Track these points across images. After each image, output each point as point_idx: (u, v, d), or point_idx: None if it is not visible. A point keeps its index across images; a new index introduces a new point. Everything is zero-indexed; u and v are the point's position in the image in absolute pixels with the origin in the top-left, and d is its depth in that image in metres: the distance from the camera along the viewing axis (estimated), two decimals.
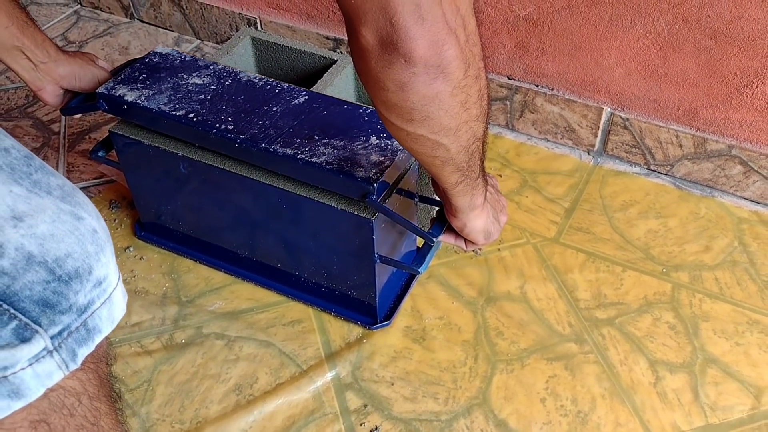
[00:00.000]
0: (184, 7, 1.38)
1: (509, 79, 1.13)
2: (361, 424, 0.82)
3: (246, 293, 0.96)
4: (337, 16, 1.23)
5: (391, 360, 0.88)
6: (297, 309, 0.94)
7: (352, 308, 0.92)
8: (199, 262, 1.00)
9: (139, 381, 0.87)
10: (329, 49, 1.26)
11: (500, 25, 1.08)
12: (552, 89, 1.11)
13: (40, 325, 0.50)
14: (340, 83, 1.00)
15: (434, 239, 0.77)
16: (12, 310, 0.49)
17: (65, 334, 0.52)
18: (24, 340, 0.49)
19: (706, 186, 1.08)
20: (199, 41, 1.42)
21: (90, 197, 1.10)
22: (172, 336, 0.91)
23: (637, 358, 0.87)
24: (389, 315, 0.92)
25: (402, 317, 0.92)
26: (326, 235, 0.85)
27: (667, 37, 0.97)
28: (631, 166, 1.12)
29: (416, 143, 0.59)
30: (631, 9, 0.97)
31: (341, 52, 1.16)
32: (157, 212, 0.99)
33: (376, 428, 0.82)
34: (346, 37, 1.19)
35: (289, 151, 0.79)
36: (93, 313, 0.53)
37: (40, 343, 0.50)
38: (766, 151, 1.01)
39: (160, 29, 1.45)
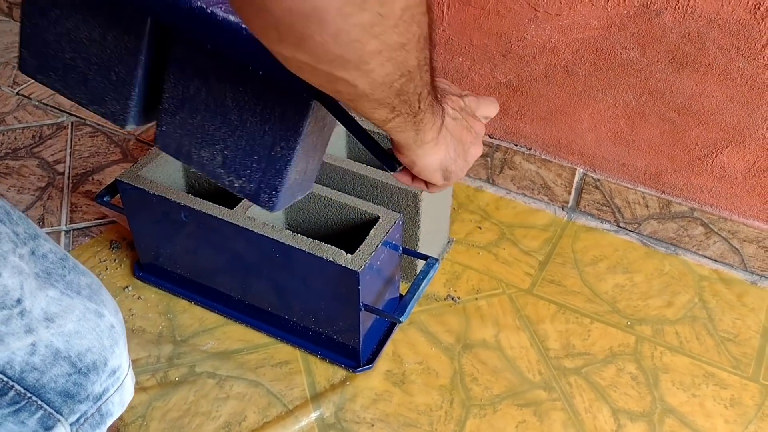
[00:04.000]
0: None
1: (490, 137, 1.21)
2: None
3: (237, 334, 1.02)
4: None
5: (372, 402, 0.94)
6: (285, 350, 1.00)
7: (337, 351, 0.98)
8: (194, 303, 1.06)
9: (134, 416, 0.92)
10: None
11: (483, 89, 1.16)
12: (530, 149, 1.19)
13: (61, 414, 0.57)
14: (331, 142, 1.07)
15: (393, 170, 0.59)
16: (39, 402, 0.56)
17: (82, 420, 0.58)
18: (47, 429, 0.56)
19: (671, 244, 1.16)
20: None
21: (92, 237, 1.16)
22: (166, 374, 0.97)
23: (601, 406, 0.94)
24: (371, 359, 0.98)
25: (383, 361, 0.99)
26: (315, 283, 0.91)
27: (634, 108, 1.06)
28: (601, 222, 1.20)
29: (303, 72, 0.43)
30: (602, 81, 1.06)
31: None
32: (156, 254, 1.05)
33: None
34: None
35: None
36: (107, 399, 0.60)
37: (60, 430, 0.57)
38: (724, 215, 1.09)
39: None
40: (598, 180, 1.16)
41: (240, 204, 0.94)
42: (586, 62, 1.05)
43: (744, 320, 1.05)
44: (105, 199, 1.05)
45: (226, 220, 0.92)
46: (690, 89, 1.00)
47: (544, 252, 1.15)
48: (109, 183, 1.07)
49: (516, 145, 1.20)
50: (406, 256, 1.04)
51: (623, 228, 1.19)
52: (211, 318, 1.04)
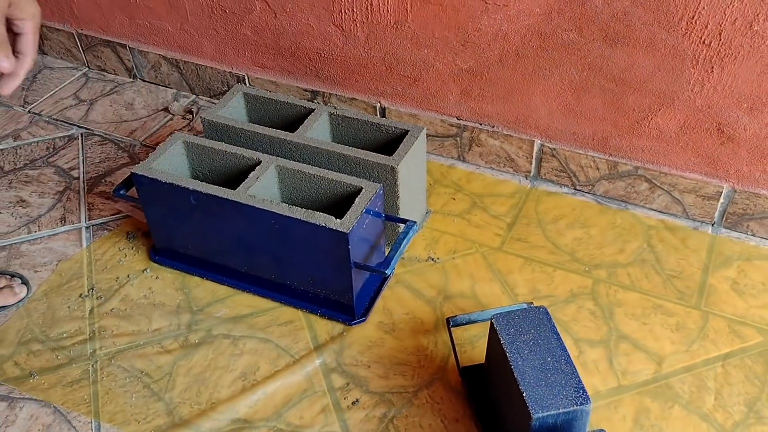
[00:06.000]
0: (182, 68, 1.61)
1: (458, 119, 1.37)
2: (344, 398, 1.02)
3: (246, 302, 1.17)
4: (312, 71, 1.46)
5: (367, 348, 1.08)
6: (289, 312, 1.15)
7: (334, 308, 1.12)
8: (206, 279, 1.20)
9: (162, 374, 1.06)
10: (308, 100, 1.49)
11: (447, 76, 1.32)
12: (493, 126, 1.35)
13: None
14: (317, 128, 1.22)
15: None
16: None
17: None
18: None
19: (621, 201, 1.31)
20: (194, 96, 1.64)
21: (110, 230, 1.30)
22: (187, 338, 1.11)
23: (565, 337, 1.09)
24: (365, 313, 1.13)
25: (375, 314, 1.13)
26: (311, 248, 1.06)
27: (578, 83, 1.21)
28: (560, 187, 1.35)
29: None
30: (549, 61, 1.21)
31: (318, 102, 1.38)
32: (170, 238, 1.20)
33: (356, 400, 1.02)
34: (321, 89, 1.42)
35: None
36: None
37: None
38: (664, 170, 1.24)
39: (161, 87, 1.68)
40: (554, 149, 1.31)
41: (242, 184, 1.09)
42: (533, 45, 1.21)
43: (687, 260, 1.21)
44: (121, 192, 1.19)
45: (230, 199, 1.07)
46: (623, 62, 1.16)
47: (511, 215, 1.30)
48: (124, 180, 1.21)
49: (481, 125, 1.35)
50: (390, 224, 1.20)
51: (579, 190, 1.34)
52: (222, 290, 1.19)
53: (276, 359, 1.07)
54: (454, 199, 1.34)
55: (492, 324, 0.91)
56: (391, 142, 1.22)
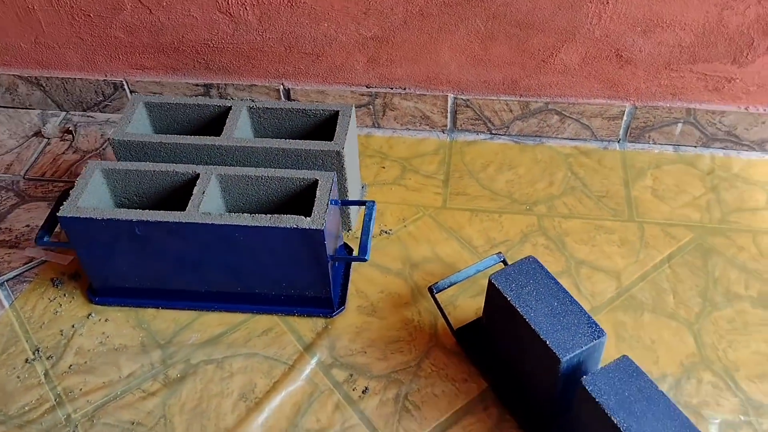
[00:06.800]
0: (44, 85, 1.44)
1: (368, 87, 1.36)
2: (353, 390, 1.02)
3: (214, 321, 1.11)
4: (201, 64, 1.37)
5: (356, 335, 1.08)
6: (264, 320, 1.11)
7: (311, 305, 1.10)
8: (162, 308, 1.13)
9: (154, 419, 0.99)
10: (201, 95, 1.40)
11: (352, 46, 1.30)
12: (405, 89, 1.35)
13: None
14: (240, 126, 1.16)
15: None
16: None
17: None
18: None
19: (535, 136, 1.39)
20: (65, 113, 1.48)
21: (29, 281, 1.17)
22: (166, 374, 1.04)
23: None
24: (341, 302, 1.12)
25: (352, 300, 1.13)
26: (282, 251, 1.02)
27: (484, 32, 1.25)
28: (477, 134, 1.40)
29: None
30: (453, 16, 1.23)
31: (233, 98, 1.30)
32: (111, 276, 1.10)
33: (366, 389, 1.02)
34: (214, 81, 1.34)
35: None
36: None
37: None
38: (572, 100, 1.33)
39: (21, 110, 1.49)
40: (467, 100, 1.35)
41: (190, 203, 1.02)
42: (437, 3, 1.22)
43: (608, 179, 1.31)
44: (45, 239, 1.07)
45: (184, 221, 1.00)
46: (525, 6, 1.21)
47: (442, 172, 1.33)
48: (40, 223, 1.09)
49: (392, 89, 1.36)
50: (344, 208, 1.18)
51: (495, 134, 1.40)
52: (184, 315, 1.12)
53: (270, 371, 1.04)
54: (384, 167, 1.35)
55: (492, 283, 0.94)
56: (318, 126, 1.19)
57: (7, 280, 1.17)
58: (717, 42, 1.21)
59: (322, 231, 0.98)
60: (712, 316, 1.09)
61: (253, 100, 1.18)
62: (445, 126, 1.40)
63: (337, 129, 1.13)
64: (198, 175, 1.07)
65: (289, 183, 1.07)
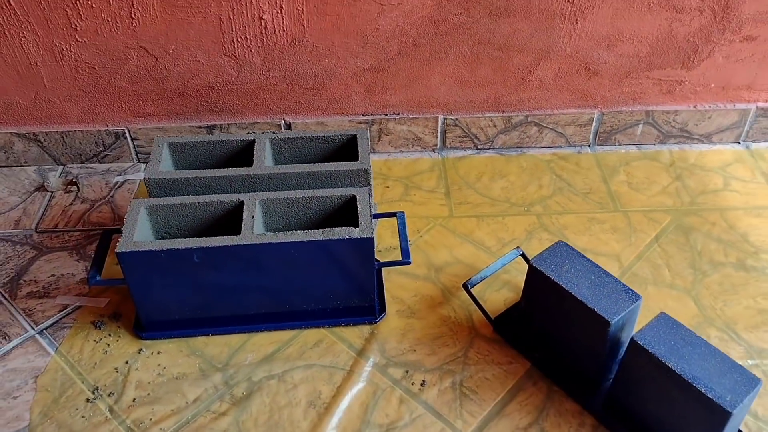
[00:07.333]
0: (42, 140, 1.46)
1: (364, 116, 1.47)
2: (412, 384, 1.10)
3: (265, 341, 1.16)
4: (204, 106, 1.44)
5: (402, 336, 1.17)
6: (313, 334, 1.17)
7: (356, 314, 1.18)
8: (211, 335, 1.17)
9: None
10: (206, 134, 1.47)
11: (350, 78, 1.41)
12: (398, 114, 1.47)
13: None
14: (266, 156, 1.24)
15: None
16: None
17: None
18: None
19: (518, 147, 1.54)
20: (61, 166, 1.50)
21: (69, 327, 1.18)
22: (232, 394, 1.09)
23: None
24: (382, 309, 1.20)
25: (390, 306, 1.21)
26: (334, 264, 1.10)
27: (470, 57, 1.39)
28: (465, 150, 1.54)
29: None
30: (443, 44, 1.37)
31: (254, 132, 1.37)
32: (162, 309, 1.14)
33: (424, 382, 1.10)
34: (217, 122, 1.41)
35: None
36: None
37: None
38: (548, 112, 1.49)
39: (15, 167, 1.50)
40: (456, 119, 1.48)
41: (242, 227, 1.08)
42: (429, 33, 1.36)
43: (588, 177, 1.47)
44: (98, 279, 1.10)
45: (243, 244, 1.06)
46: (506, 31, 1.36)
47: (442, 186, 1.45)
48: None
49: (386, 115, 1.47)
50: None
51: (482, 148, 1.54)
52: (234, 339, 1.17)
53: (330, 378, 1.11)
54: (388, 187, 1.45)
55: (533, 267, 1.06)
56: (334, 152, 1.28)
57: (45, 329, 1.18)
58: (668, 50, 1.40)
59: (372, 239, 1.07)
60: (704, 282, 1.25)
61: (273, 132, 1.26)
62: (436, 145, 1.52)
63: (359, 149, 1.23)
64: (242, 202, 1.13)
65: (328, 201, 1.15)
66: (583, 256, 1.07)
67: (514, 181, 1.47)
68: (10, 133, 1.45)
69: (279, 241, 1.06)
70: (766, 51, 1.42)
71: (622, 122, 1.51)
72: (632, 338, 0.95)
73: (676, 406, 0.94)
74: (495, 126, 1.50)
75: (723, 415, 0.88)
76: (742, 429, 1.02)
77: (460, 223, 1.37)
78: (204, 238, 1.07)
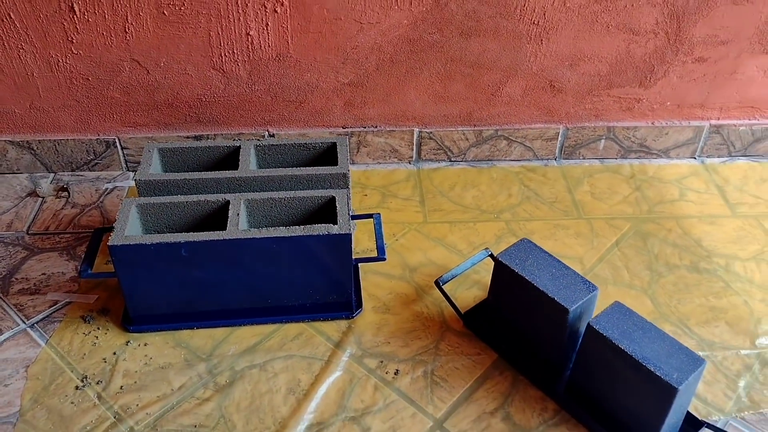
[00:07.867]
0: (35, 148, 1.53)
1: (344, 128, 1.56)
2: (386, 373, 1.17)
3: (248, 334, 1.23)
4: (192, 117, 1.52)
5: (377, 330, 1.24)
6: (293, 328, 1.24)
7: (334, 310, 1.25)
8: (196, 329, 1.23)
9: (214, 420, 1.09)
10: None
11: (331, 92, 1.50)
12: (376, 127, 1.56)
13: None
14: (250, 161, 1.32)
15: None
16: None
17: None
18: None
19: (488, 160, 1.63)
20: (53, 174, 1.57)
21: (59, 321, 1.24)
22: (215, 382, 1.15)
23: None
24: (359, 305, 1.27)
25: (366, 302, 1.28)
26: (314, 258, 1.17)
27: (443, 73, 1.49)
28: (439, 162, 1.63)
29: None
30: (419, 61, 1.47)
31: (240, 139, 1.44)
32: (150, 302, 1.20)
33: (397, 371, 1.17)
34: (204, 133, 1.49)
35: None
36: None
37: None
38: (516, 126, 1.59)
39: (8, 175, 1.56)
40: (430, 132, 1.57)
41: (228, 224, 1.16)
42: (405, 51, 1.45)
43: (554, 188, 1.57)
44: (89, 272, 1.16)
45: (227, 239, 1.13)
46: (477, 50, 1.46)
47: (417, 195, 1.54)
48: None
49: (365, 127, 1.56)
50: None
51: (455, 161, 1.63)
52: (218, 332, 1.23)
53: (309, 367, 1.17)
54: (366, 195, 1.53)
55: (499, 262, 1.14)
56: (315, 159, 1.36)
57: (36, 323, 1.24)
58: (627, 70, 1.51)
59: (350, 235, 1.15)
60: (660, 282, 1.34)
61: (258, 139, 1.34)
62: (411, 157, 1.61)
63: (339, 156, 1.31)
64: (228, 201, 1.21)
65: (309, 201, 1.23)
66: (545, 252, 1.15)
67: (484, 191, 1.56)
68: (5, 140, 1.51)
69: (262, 236, 1.14)
70: (717, 72, 1.53)
71: (586, 137, 1.61)
72: (588, 324, 1.03)
73: (629, 386, 1.01)
74: (467, 139, 1.59)
75: (670, 392, 0.96)
76: (692, 412, 1.09)
77: (433, 228, 1.45)
78: (193, 233, 1.14)
